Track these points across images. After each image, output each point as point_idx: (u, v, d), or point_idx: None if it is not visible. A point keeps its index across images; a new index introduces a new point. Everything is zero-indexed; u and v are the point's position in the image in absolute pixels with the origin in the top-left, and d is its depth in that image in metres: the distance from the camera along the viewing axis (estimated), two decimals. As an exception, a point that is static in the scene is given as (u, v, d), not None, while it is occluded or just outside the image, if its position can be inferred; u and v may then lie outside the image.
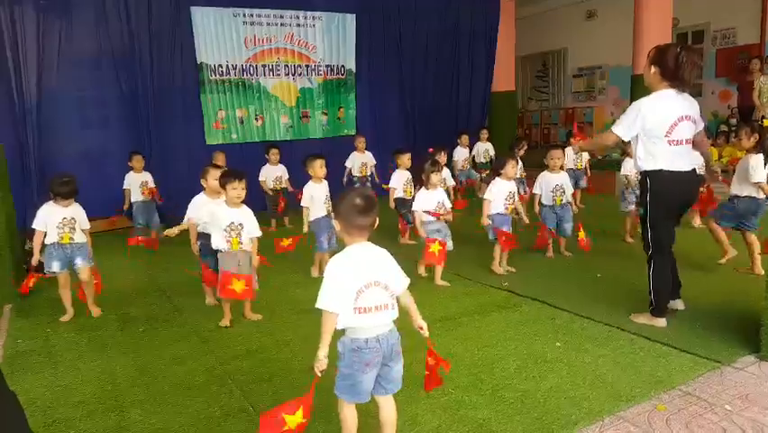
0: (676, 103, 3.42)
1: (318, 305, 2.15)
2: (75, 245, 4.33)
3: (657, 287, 3.63)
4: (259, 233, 4.17)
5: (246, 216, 4.08)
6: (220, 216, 4.02)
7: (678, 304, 3.78)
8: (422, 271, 4.81)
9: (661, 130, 3.40)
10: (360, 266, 2.19)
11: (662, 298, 3.64)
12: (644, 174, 3.54)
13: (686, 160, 3.49)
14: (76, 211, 4.35)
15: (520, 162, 7.79)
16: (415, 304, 2.35)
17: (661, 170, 3.45)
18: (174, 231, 4.43)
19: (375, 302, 2.17)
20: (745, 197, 4.56)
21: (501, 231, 4.90)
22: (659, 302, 3.65)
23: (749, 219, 4.60)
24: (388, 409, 2.35)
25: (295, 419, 2.15)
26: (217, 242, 4.02)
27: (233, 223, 4.00)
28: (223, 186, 4.03)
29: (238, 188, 4.00)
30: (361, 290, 2.15)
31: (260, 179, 7.65)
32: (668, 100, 3.41)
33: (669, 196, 3.49)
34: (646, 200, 3.54)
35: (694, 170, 3.56)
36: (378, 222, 2.26)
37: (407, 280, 2.32)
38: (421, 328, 2.31)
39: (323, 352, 2.16)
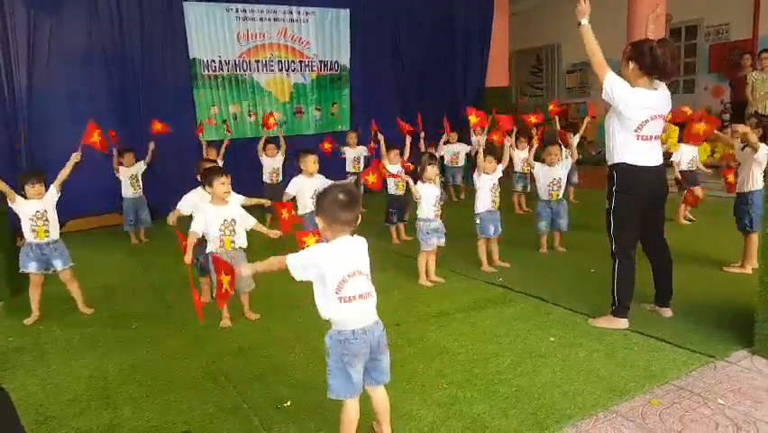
0: (651, 100, 3.38)
1: (288, 259, 2.26)
2: (52, 245, 4.26)
3: (620, 285, 3.58)
4: (253, 221, 4.13)
5: (235, 209, 4.04)
6: (211, 216, 3.95)
7: (666, 312, 3.73)
8: (423, 280, 4.76)
9: (632, 124, 3.38)
10: (345, 257, 2.21)
11: (624, 297, 3.59)
12: (612, 167, 3.55)
13: (654, 155, 3.48)
14: (46, 201, 4.23)
15: (522, 153, 7.60)
16: None
17: (627, 164, 3.45)
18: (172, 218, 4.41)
19: (358, 291, 2.21)
20: (757, 190, 4.40)
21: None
22: (621, 301, 3.60)
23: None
24: (379, 398, 2.39)
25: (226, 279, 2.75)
26: (209, 243, 3.98)
27: (225, 221, 3.96)
28: (210, 183, 3.95)
29: (226, 183, 3.95)
30: (345, 279, 2.18)
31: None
32: (644, 97, 3.37)
33: (633, 190, 3.48)
34: (611, 192, 3.54)
35: (662, 165, 3.54)
36: (360, 219, 2.26)
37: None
38: None
39: (253, 269, 2.48)
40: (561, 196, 5.50)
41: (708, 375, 2.96)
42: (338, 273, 2.18)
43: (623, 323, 3.60)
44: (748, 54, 9.25)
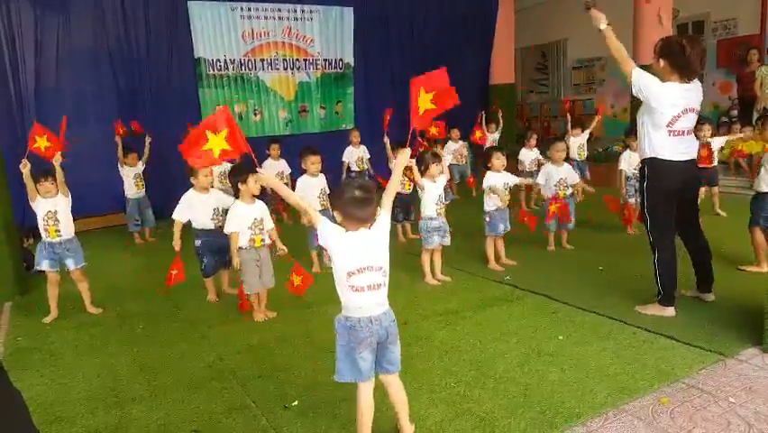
0: (683, 95, 3.46)
1: (321, 219, 2.31)
2: (64, 244, 4.27)
3: (662, 275, 3.65)
4: (272, 224, 4.15)
5: (264, 210, 4.06)
6: (243, 214, 3.96)
7: (709, 297, 3.84)
8: (429, 279, 4.73)
9: (663, 120, 3.45)
10: (358, 250, 2.21)
11: (668, 285, 3.66)
12: (643, 162, 3.64)
13: (685, 149, 3.55)
14: (57, 202, 4.25)
15: (536, 153, 7.72)
16: None
17: (657, 159, 3.53)
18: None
19: (368, 282, 2.23)
20: None
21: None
22: (666, 290, 3.66)
23: None
24: (395, 388, 2.40)
25: (218, 140, 2.05)
26: (241, 240, 3.96)
27: (255, 219, 3.98)
28: (244, 181, 3.95)
29: (258, 183, 3.97)
30: (355, 272, 2.20)
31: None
32: (676, 92, 3.45)
33: (664, 184, 3.55)
34: (644, 188, 3.63)
35: (693, 160, 3.62)
36: (378, 212, 2.26)
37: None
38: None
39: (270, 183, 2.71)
40: (568, 194, 5.47)
41: (719, 373, 2.93)
42: (348, 264, 2.20)
43: (670, 311, 3.65)
44: (755, 49, 9.17)
